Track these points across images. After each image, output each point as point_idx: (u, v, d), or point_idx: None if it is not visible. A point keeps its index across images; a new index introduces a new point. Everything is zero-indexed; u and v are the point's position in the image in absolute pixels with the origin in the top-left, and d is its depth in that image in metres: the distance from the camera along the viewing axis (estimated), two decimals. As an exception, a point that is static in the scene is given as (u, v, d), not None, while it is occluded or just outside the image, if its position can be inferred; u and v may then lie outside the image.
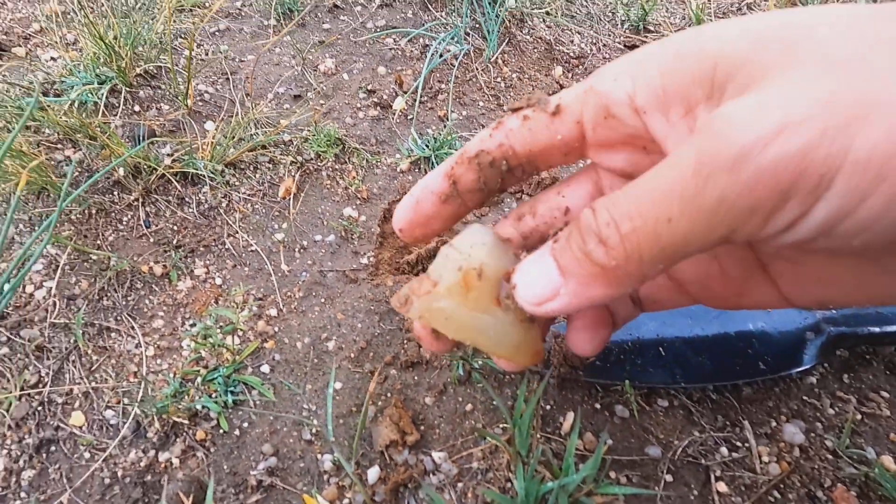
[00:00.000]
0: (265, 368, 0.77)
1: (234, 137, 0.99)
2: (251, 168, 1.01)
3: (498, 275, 0.27)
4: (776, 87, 0.18)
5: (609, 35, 1.23)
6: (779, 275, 0.28)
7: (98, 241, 0.91)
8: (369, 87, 1.13)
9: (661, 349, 0.72)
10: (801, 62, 0.18)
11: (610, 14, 1.29)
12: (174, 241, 0.92)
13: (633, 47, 1.22)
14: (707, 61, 0.21)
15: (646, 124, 0.25)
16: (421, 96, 1.11)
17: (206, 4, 1.26)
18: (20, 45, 1.20)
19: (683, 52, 0.22)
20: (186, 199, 0.97)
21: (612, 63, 0.26)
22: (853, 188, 0.17)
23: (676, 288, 0.32)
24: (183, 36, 1.19)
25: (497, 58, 1.17)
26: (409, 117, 1.09)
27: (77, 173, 0.96)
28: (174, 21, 1.23)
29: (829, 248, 0.20)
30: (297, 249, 0.92)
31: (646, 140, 0.26)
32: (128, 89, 1.07)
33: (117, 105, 1.06)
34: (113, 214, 0.93)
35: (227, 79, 1.14)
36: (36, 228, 0.91)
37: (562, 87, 1.16)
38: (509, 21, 1.21)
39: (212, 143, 0.97)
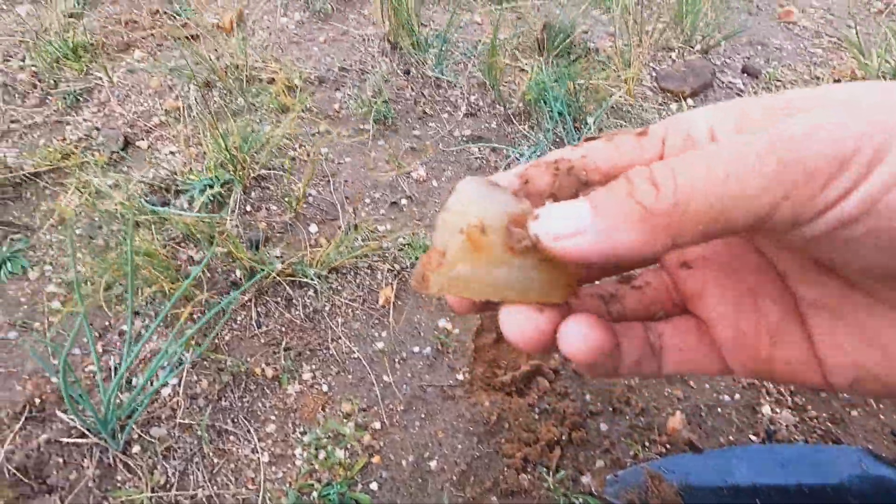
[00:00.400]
0: (374, 486, 0.83)
1: (338, 246, 1.08)
2: (352, 273, 1.09)
3: (503, 222, 0.25)
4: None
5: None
6: (816, 326, 0.27)
7: (216, 341, 0.99)
8: (459, 197, 1.22)
9: (757, 501, 0.75)
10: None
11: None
12: (283, 343, 1.00)
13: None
14: (779, 99, 0.24)
15: None
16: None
17: (309, 107, 1.38)
18: (143, 139, 1.33)
19: (767, 98, 0.25)
20: (294, 302, 1.05)
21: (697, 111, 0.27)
22: None
23: (703, 333, 0.30)
24: (288, 137, 1.31)
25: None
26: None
27: (200, 273, 1.06)
28: (278, 122, 1.35)
29: (866, 237, 0.20)
30: (396, 360, 0.98)
31: None
32: (242, 190, 1.18)
33: (232, 205, 1.16)
34: (229, 314, 1.02)
35: (328, 181, 1.24)
36: (161, 325, 1.00)
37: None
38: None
39: (320, 256, 1.05)
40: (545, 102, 1.33)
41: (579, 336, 0.24)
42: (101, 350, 0.98)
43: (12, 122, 1.35)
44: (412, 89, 1.43)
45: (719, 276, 0.29)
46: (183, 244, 1.10)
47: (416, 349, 1.00)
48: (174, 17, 1.72)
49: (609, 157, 0.28)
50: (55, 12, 1.68)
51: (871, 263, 0.22)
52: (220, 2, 1.77)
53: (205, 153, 1.25)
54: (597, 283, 0.32)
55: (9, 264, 1.07)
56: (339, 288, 1.07)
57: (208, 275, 1.05)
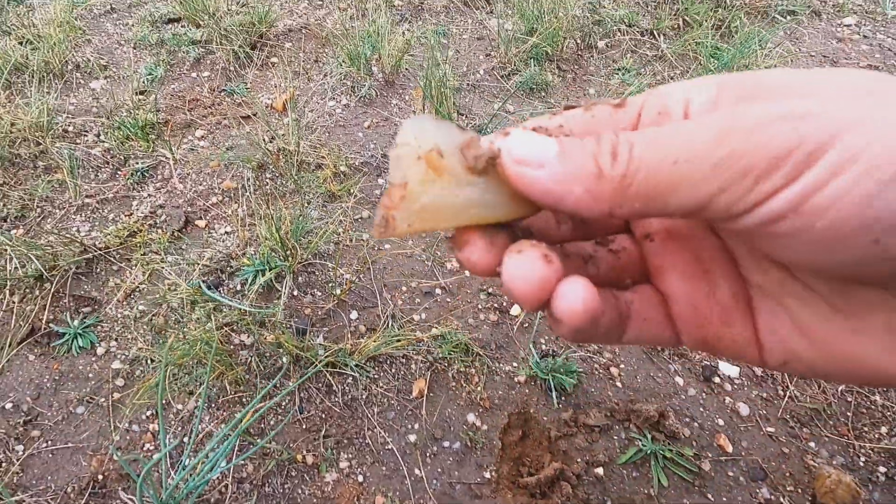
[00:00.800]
0: (405, 585, 0.88)
1: (376, 339, 1.16)
2: (388, 362, 1.17)
3: (456, 147, 0.25)
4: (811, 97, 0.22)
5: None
6: (759, 310, 0.28)
7: (262, 425, 1.08)
8: (489, 290, 1.30)
9: None
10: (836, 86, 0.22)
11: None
12: (323, 431, 1.07)
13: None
14: (751, 79, 0.24)
15: None
16: (535, 304, 1.26)
17: (351, 191, 1.50)
18: (202, 218, 1.46)
19: (741, 76, 0.25)
20: (334, 389, 1.13)
21: (682, 83, 0.27)
22: (832, 164, 0.19)
23: (663, 306, 0.30)
24: (335, 223, 1.42)
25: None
26: (524, 325, 1.24)
27: (248, 356, 1.15)
28: (325, 207, 1.47)
29: (794, 233, 0.21)
30: (427, 454, 1.05)
31: None
32: (291, 275, 1.28)
33: (281, 289, 1.26)
34: (275, 400, 1.10)
35: (368, 268, 1.34)
36: (213, 407, 1.08)
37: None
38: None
39: (361, 347, 1.14)
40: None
41: (577, 298, 0.24)
42: (155, 428, 1.07)
43: (87, 196, 1.49)
44: (448, 178, 1.53)
45: (678, 252, 0.30)
46: (235, 329, 1.19)
47: (447, 444, 1.06)
48: (232, 95, 1.88)
49: (585, 127, 0.28)
50: (127, 90, 1.86)
51: (799, 258, 0.23)
52: (273, 81, 1.93)
53: (257, 236, 1.36)
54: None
55: (80, 339, 1.18)
56: (376, 377, 1.15)
57: (256, 359, 1.14)
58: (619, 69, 1.95)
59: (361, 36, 1.98)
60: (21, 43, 1.97)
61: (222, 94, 1.88)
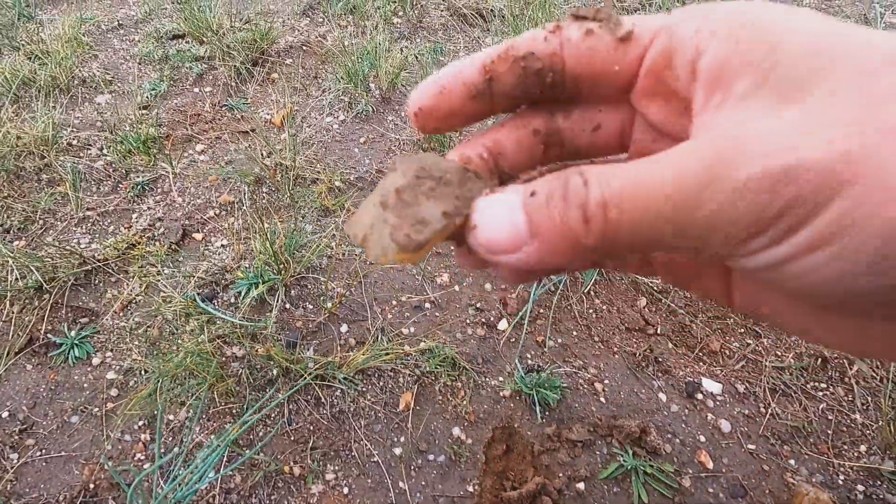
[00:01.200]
0: None
1: (365, 352, 1.19)
2: (376, 375, 1.19)
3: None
4: (806, 112, 0.19)
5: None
6: (737, 283, 0.27)
7: (250, 436, 1.10)
8: (478, 305, 1.32)
9: None
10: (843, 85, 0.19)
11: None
12: (310, 443, 1.09)
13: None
14: (768, 41, 0.21)
15: (691, 90, 0.23)
16: (522, 319, 1.29)
17: (348, 208, 1.53)
18: (199, 231, 1.49)
19: (758, 30, 0.22)
20: (322, 401, 1.15)
21: (699, 12, 0.24)
22: (821, 232, 0.18)
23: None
24: (327, 237, 1.45)
25: (590, 288, 1.35)
26: (511, 340, 1.26)
27: (239, 368, 1.17)
28: (319, 222, 1.50)
29: (789, 280, 0.20)
30: (412, 467, 1.07)
31: (686, 102, 0.24)
32: (283, 288, 1.31)
33: (274, 303, 1.29)
34: (264, 412, 1.12)
35: (360, 282, 1.36)
36: (204, 418, 1.11)
37: (646, 319, 1.31)
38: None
39: (350, 360, 1.16)
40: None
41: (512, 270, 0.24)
42: (147, 438, 1.09)
43: (88, 209, 1.53)
44: (441, 194, 1.57)
45: None
46: (227, 341, 1.22)
47: (431, 457, 1.08)
48: (232, 111, 1.92)
49: (580, 60, 0.26)
50: (131, 104, 1.91)
51: (807, 292, 0.21)
52: (273, 97, 1.97)
53: (252, 249, 1.39)
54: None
55: (76, 349, 1.21)
56: (364, 390, 1.17)
57: (247, 371, 1.17)
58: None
59: (360, 53, 2.03)
60: (30, 58, 2.03)
61: (223, 109, 1.93)
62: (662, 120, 0.26)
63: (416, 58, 2.12)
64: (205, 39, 2.15)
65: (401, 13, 2.37)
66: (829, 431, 1.10)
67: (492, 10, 2.36)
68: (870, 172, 0.17)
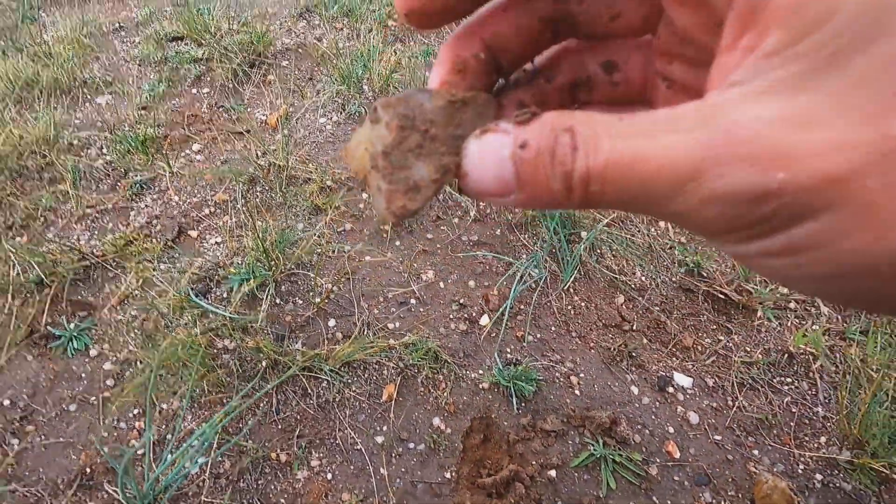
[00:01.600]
0: (363, 575, 0.95)
1: (351, 345, 1.24)
2: (362, 368, 1.25)
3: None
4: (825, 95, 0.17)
5: (666, 272, 1.45)
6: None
7: (240, 424, 1.15)
8: (461, 301, 1.37)
9: None
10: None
11: (669, 251, 1.52)
12: (297, 431, 1.15)
13: (687, 290, 1.42)
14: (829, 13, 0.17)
15: (724, 12, 0.20)
16: (502, 314, 1.34)
17: (338, 206, 1.58)
18: (194, 228, 1.55)
19: None
20: (309, 392, 1.20)
21: None
22: (811, 234, 0.17)
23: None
24: (317, 235, 1.50)
25: (569, 286, 1.40)
26: (492, 335, 1.31)
27: (230, 360, 1.23)
28: (310, 220, 1.55)
29: (793, 268, 0.19)
30: (393, 455, 1.12)
31: (717, 20, 0.21)
32: (273, 283, 1.36)
33: (264, 297, 1.34)
34: (253, 401, 1.18)
35: (349, 278, 1.42)
36: (196, 407, 1.16)
37: (622, 316, 1.36)
38: (583, 253, 1.45)
39: (336, 353, 1.21)
40: (545, 216, 1.50)
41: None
42: (141, 426, 1.15)
43: (88, 206, 1.59)
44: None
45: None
46: (219, 334, 1.27)
47: (412, 445, 1.13)
48: (229, 112, 1.97)
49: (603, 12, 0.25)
50: (131, 104, 1.96)
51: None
52: (269, 99, 2.03)
53: (245, 247, 1.45)
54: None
55: (75, 341, 1.26)
56: (350, 381, 1.22)
57: (237, 362, 1.22)
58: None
59: (354, 55, 2.08)
60: (33, 60, 2.09)
61: (220, 110, 1.98)
62: (689, 28, 0.23)
63: (410, 59, 2.17)
64: (203, 42, 2.20)
65: (395, 16, 2.41)
66: (792, 423, 1.15)
67: (484, 14, 2.41)
68: (853, 200, 0.16)
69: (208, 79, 2.10)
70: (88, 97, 2.01)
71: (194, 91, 2.06)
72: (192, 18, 2.28)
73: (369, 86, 2.00)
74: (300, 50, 2.25)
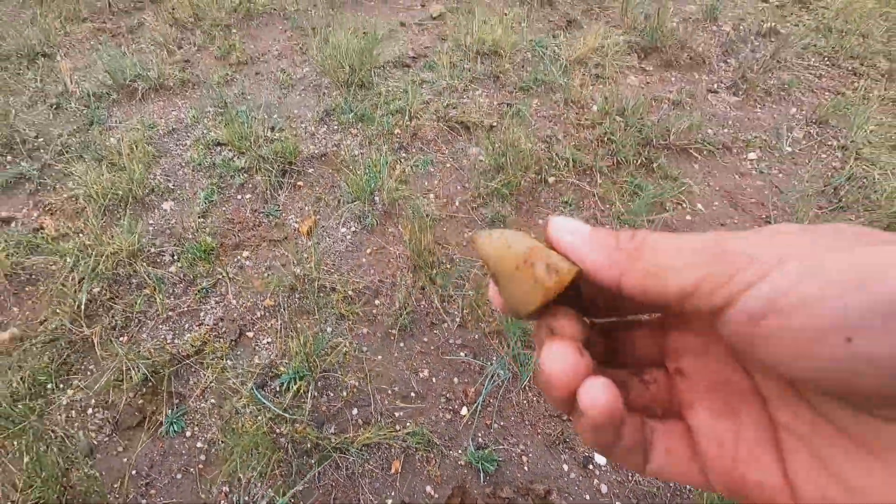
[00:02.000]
0: None
1: (369, 431, 1.78)
2: (377, 447, 1.78)
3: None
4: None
5: (598, 373, 1.98)
6: (790, 453, 0.27)
7: (292, 488, 1.69)
8: (447, 396, 1.91)
9: None
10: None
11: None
12: (332, 495, 1.68)
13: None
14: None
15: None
16: (479, 408, 1.87)
17: (357, 312, 2.11)
18: (250, 330, 2.07)
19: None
20: (340, 466, 1.74)
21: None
22: (796, 270, 0.23)
23: (690, 442, 0.31)
24: (341, 335, 2.03)
25: (526, 384, 1.93)
26: (468, 424, 1.85)
27: (286, 443, 1.76)
28: (338, 325, 2.08)
29: (777, 333, 0.23)
30: (399, 513, 1.66)
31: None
32: (314, 381, 1.90)
33: (307, 393, 1.87)
34: (307, 477, 1.71)
35: (366, 376, 1.95)
36: (262, 478, 1.70)
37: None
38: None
39: (361, 438, 1.75)
40: (510, 324, 2.02)
41: (599, 390, 0.28)
42: (227, 490, 1.68)
43: (169, 310, 2.11)
44: (425, 302, 2.15)
45: (708, 388, 0.32)
46: (276, 421, 1.80)
47: (411, 507, 1.67)
48: (269, 217, 2.48)
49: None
50: (190, 211, 2.47)
51: (789, 365, 0.23)
52: (300, 204, 2.54)
53: (290, 349, 1.97)
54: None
55: (174, 425, 1.80)
56: (368, 457, 1.76)
57: (290, 443, 1.75)
58: (564, 202, 2.56)
59: (367, 165, 2.59)
60: (108, 169, 2.59)
61: (261, 215, 2.49)
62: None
63: (412, 168, 2.68)
64: (244, 150, 2.71)
65: (401, 123, 2.92)
66: (668, 494, 1.69)
67: (473, 123, 2.91)
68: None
69: (250, 185, 2.61)
70: (155, 203, 2.52)
71: (239, 197, 2.57)
72: (231, 123, 2.78)
73: (380, 198, 2.52)
74: (323, 158, 2.76)
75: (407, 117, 2.92)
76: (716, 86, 3.29)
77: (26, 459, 1.68)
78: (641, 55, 3.48)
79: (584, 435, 0.30)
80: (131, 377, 1.87)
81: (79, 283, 2.14)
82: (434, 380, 1.96)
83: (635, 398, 0.34)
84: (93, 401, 1.85)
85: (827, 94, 3.24)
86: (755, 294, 0.23)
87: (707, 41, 3.61)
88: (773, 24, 3.71)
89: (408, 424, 1.82)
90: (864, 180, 2.66)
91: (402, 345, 2.04)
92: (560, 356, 0.30)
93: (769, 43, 3.56)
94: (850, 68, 3.39)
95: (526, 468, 1.75)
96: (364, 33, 3.56)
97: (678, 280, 0.26)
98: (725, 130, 2.98)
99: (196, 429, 1.81)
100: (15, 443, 1.75)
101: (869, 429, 0.24)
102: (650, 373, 0.35)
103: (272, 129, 2.87)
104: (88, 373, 1.93)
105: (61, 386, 1.89)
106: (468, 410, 1.87)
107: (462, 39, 3.43)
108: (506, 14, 3.82)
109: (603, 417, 0.28)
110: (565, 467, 1.76)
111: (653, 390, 0.34)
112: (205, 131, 2.86)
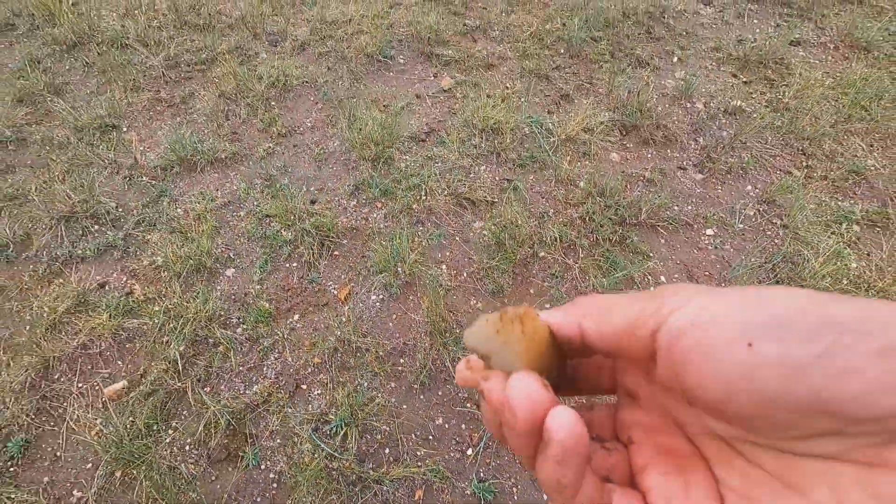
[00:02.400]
0: (409, 591, 2.10)
1: (399, 467, 2.37)
2: (404, 480, 2.37)
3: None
4: None
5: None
6: (730, 502, 0.30)
7: (344, 512, 2.29)
8: (456, 439, 2.50)
9: None
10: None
11: (577, 403, 2.64)
12: (372, 516, 2.28)
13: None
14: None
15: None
16: (481, 450, 2.47)
17: (386, 369, 2.70)
18: (304, 383, 2.66)
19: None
20: (378, 494, 2.33)
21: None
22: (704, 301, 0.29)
23: (641, 501, 0.35)
24: (375, 389, 2.62)
25: (517, 431, 2.52)
26: (473, 462, 2.44)
27: (336, 475, 2.36)
28: (371, 379, 2.67)
29: (696, 348, 0.28)
30: (421, 530, 2.26)
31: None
32: (356, 426, 2.49)
33: (351, 435, 2.46)
34: None
35: (395, 421, 2.54)
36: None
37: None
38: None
39: (394, 473, 2.35)
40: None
41: (568, 416, 0.30)
42: (294, 510, 2.28)
43: (240, 366, 2.70)
44: (440, 362, 2.74)
45: (660, 453, 0.35)
46: (329, 458, 2.40)
47: (430, 525, 2.27)
48: (312, 284, 3.06)
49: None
50: (250, 279, 3.05)
51: (710, 390, 0.27)
52: (337, 272, 3.12)
53: (336, 400, 2.57)
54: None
55: (252, 460, 2.39)
56: (398, 487, 2.35)
57: (340, 475, 2.35)
58: (551, 274, 3.14)
59: (390, 237, 3.17)
60: (180, 240, 3.17)
61: (305, 282, 3.08)
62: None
63: (428, 241, 3.27)
64: (290, 223, 3.29)
65: (417, 198, 3.50)
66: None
67: (478, 199, 3.49)
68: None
69: (296, 255, 3.20)
70: (220, 270, 3.10)
71: (287, 265, 3.15)
72: (277, 196, 3.36)
73: (403, 269, 3.10)
74: (355, 230, 3.34)
75: (423, 193, 3.50)
76: (685, 163, 3.87)
77: (147, 484, 2.28)
78: (623, 132, 4.06)
79: (545, 472, 0.30)
80: (218, 422, 2.46)
81: (166, 343, 2.73)
82: (447, 426, 2.56)
83: (598, 462, 0.37)
84: (189, 440, 2.45)
85: (779, 172, 3.83)
86: (679, 315, 0.29)
87: (680, 119, 4.18)
88: (739, 102, 4.29)
89: (427, 462, 2.42)
90: (798, 257, 3.25)
91: (422, 397, 2.64)
92: (524, 384, 0.31)
93: (735, 121, 4.15)
94: (800, 148, 3.97)
95: (516, 497, 2.35)
96: (385, 106, 4.14)
97: (625, 312, 0.33)
98: (689, 208, 3.56)
99: (269, 462, 2.40)
100: (135, 472, 2.34)
101: (790, 467, 0.27)
102: (610, 443, 0.38)
103: (312, 202, 3.45)
104: (182, 417, 2.52)
105: (164, 427, 2.48)
106: (473, 451, 2.47)
107: (469, 117, 4.00)
108: (507, 88, 4.39)
109: (571, 442, 0.29)
110: (545, 497, 2.36)
111: (613, 458, 0.37)
112: (255, 203, 3.44)
